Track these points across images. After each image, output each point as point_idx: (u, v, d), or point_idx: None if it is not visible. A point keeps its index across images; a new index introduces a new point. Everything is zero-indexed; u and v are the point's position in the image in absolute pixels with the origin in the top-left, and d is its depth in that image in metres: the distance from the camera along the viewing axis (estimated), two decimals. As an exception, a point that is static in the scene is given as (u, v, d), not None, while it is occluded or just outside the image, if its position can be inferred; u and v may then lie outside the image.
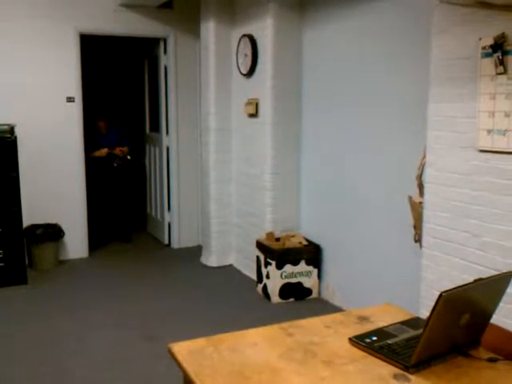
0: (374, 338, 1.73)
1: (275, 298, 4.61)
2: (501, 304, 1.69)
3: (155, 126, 6.65)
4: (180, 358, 1.65)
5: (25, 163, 5.23)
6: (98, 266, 5.67)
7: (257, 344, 1.75)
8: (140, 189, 7.41)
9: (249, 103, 5.06)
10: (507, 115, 2.69)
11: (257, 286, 4.90)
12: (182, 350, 1.70)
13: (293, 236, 4.84)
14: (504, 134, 2.71)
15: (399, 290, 3.71)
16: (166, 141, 6.31)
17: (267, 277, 4.66)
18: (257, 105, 4.97)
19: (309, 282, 4.70)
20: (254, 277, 5.01)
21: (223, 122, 5.49)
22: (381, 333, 1.78)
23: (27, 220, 5.28)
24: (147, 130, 7.04)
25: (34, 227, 5.42)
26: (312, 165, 4.83)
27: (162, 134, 6.36)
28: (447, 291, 1.47)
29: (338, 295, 4.57)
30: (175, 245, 6.37)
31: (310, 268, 4.67)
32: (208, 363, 1.61)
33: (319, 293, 4.76)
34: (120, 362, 3.51)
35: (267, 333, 1.85)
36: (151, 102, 6.84)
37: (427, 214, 3.22)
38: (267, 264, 4.65)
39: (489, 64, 2.76)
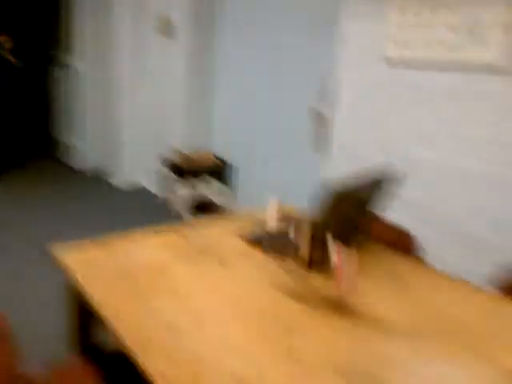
0: (267, 237, 1.78)
1: (186, 216, 4.63)
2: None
3: (59, 45, 6.23)
4: (69, 262, 1.62)
5: None
6: (3, 192, 5.42)
7: (151, 247, 1.75)
8: (44, 111, 7.02)
9: (161, 20, 4.83)
10: (413, 27, 2.73)
11: (167, 203, 4.90)
12: (73, 258, 1.67)
13: (203, 154, 4.82)
14: (408, 45, 2.75)
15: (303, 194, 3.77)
16: (72, 61, 5.93)
17: (177, 194, 4.66)
18: (170, 23, 4.75)
19: (219, 199, 4.73)
20: (164, 195, 5.00)
21: (137, 40, 5.23)
22: (273, 232, 1.82)
23: None
24: (50, 49, 6.59)
25: None
26: (224, 87, 4.76)
27: (67, 53, 5.97)
28: (335, 188, 1.51)
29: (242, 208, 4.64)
30: (83, 167, 6.18)
31: (221, 185, 4.70)
32: (97, 266, 1.60)
33: (229, 209, 4.82)
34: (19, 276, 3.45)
35: (162, 237, 1.86)
36: (53, 18, 6.38)
37: (337, 126, 3.28)
38: (177, 182, 4.63)
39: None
